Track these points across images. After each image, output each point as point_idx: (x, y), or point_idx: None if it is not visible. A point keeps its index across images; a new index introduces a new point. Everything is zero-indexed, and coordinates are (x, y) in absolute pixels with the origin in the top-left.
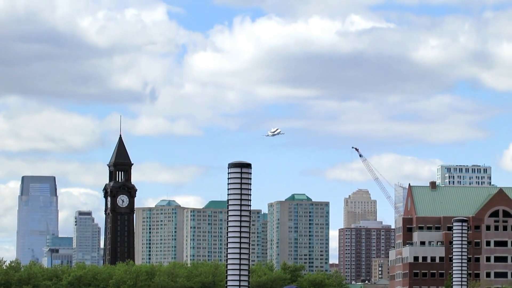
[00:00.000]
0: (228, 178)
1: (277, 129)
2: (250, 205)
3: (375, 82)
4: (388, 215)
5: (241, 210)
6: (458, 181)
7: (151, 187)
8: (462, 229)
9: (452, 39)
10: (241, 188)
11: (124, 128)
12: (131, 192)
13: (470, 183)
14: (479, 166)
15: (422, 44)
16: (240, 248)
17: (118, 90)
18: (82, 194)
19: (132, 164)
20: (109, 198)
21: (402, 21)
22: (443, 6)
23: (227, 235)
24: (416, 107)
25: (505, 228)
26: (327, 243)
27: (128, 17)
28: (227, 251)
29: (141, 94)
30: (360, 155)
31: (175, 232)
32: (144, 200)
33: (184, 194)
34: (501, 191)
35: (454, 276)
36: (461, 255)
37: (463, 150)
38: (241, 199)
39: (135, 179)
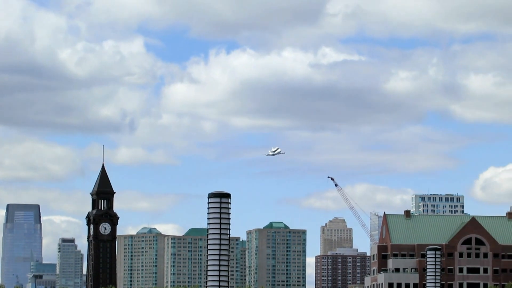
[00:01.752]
0: (208, 208)
1: (277, 149)
2: (229, 234)
3: (348, 113)
4: (363, 243)
5: (220, 239)
6: (432, 210)
7: (130, 215)
8: (435, 257)
9: (421, 71)
10: (220, 218)
11: (104, 158)
12: (113, 220)
13: (443, 212)
14: (452, 195)
15: (392, 76)
16: (219, 274)
17: (98, 120)
18: (64, 221)
19: (115, 192)
20: (91, 226)
21: (373, 53)
22: (412, 40)
23: (207, 262)
24: (388, 137)
25: (477, 256)
26: (304, 270)
27: (106, 48)
28: (206, 278)
29: (120, 124)
30: (336, 185)
31: (156, 258)
32: (124, 227)
33: (162, 222)
34: (473, 220)
35: None
36: (435, 282)
37: (434, 180)
38: (220, 228)
39: (115, 207)
